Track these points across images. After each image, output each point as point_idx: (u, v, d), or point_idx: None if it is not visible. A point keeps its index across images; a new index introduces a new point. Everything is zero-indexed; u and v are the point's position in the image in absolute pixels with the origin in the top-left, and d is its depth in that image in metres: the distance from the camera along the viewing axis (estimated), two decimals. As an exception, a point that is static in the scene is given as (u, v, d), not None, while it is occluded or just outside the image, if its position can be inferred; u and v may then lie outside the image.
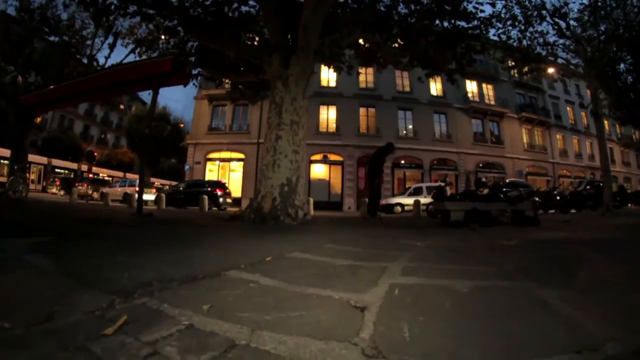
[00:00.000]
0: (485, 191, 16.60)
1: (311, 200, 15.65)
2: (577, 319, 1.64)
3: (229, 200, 21.05)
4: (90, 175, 26.82)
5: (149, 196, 21.45)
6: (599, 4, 15.00)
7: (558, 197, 19.72)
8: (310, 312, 1.63)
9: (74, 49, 16.54)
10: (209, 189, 20.64)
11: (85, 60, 16.84)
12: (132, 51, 14.09)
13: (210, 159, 31.11)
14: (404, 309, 1.70)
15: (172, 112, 39.26)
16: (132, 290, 1.79)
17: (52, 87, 12.25)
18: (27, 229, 4.56)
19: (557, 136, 38.20)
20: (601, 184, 22.64)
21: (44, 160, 37.66)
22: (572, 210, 18.82)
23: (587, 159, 39.71)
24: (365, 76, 29.56)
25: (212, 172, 30.97)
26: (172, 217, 9.58)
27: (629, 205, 22.95)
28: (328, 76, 29.46)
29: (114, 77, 10.26)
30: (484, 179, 20.29)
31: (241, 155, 30.23)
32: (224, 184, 23.13)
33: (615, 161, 41.38)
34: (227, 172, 30.99)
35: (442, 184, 17.64)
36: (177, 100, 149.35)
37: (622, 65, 20.47)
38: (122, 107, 41.46)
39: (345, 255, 3.20)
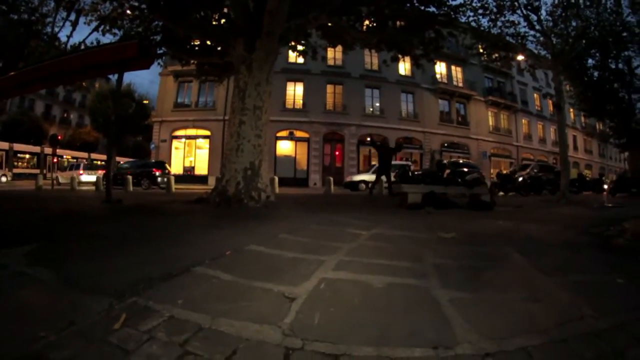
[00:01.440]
0: (447, 172, 17.38)
1: (276, 178, 16.19)
2: (454, 320, 2.03)
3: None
4: (55, 160, 26.50)
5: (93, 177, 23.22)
6: (572, 1, 15.31)
7: (519, 180, 20.68)
8: (254, 302, 2.24)
9: (35, 27, 15.54)
10: (148, 169, 21.86)
11: (46, 38, 15.99)
12: (96, 29, 13.61)
13: (176, 137, 31.13)
14: (323, 301, 2.29)
15: (137, 89, 38.44)
16: (124, 292, 2.31)
17: (12, 73, 11.82)
18: (12, 233, 4.64)
19: (523, 121, 40.13)
20: (553, 167, 23.71)
21: (5, 145, 36.18)
22: (532, 193, 19.70)
23: (550, 145, 41.82)
24: (334, 53, 29.55)
25: (178, 150, 31.02)
26: (141, 203, 9.94)
27: (588, 192, 23.78)
28: (296, 52, 29.35)
29: (77, 62, 10.06)
30: (444, 161, 21.08)
31: (207, 132, 30.35)
32: (164, 163, 23.86)
33: (578, 148, 44.53)
34: (194, 149, 31.24)
35: (408, 163, 18.06)
36: (143, 76, 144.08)
37: (589, 61, 21.13)
38: (84, 84, 40.08)
39: (295, 247, 3.79)
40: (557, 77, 15.84)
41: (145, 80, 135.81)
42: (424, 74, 28.13)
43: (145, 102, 39.99)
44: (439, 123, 33.75)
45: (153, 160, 25.33)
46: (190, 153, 31.29)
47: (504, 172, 23.28)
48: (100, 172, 23.20)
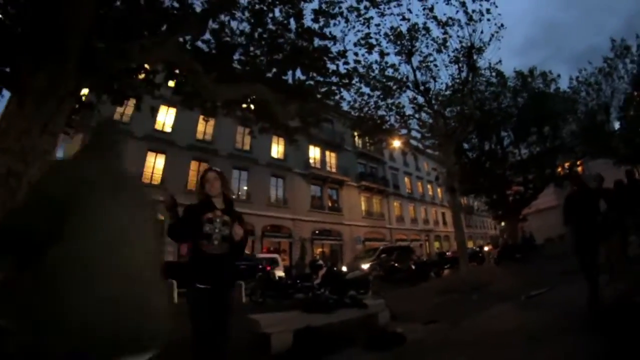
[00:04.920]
0: (322, 273, 14.41)
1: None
2: None
3: None
4: None
5: None
6: (466, 87, 15.06)
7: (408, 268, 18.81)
8: None
9: None
10: None
11: None
12: None
13: None
14: None
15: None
16: None
17: None
18: None
19: (395, 203, 41.77)
20: (406, 248, 24.18)
21: None
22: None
23: (422, 223, 45.27)
24: (205, 127, 26.91)
25: None
26: None
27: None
28: (165, 119, 26.28)
29: None
30: (320, 262, 18.53)
31: None
32: None
33: (447, 223, 48.03)
34: None
35: (275, 256, 14.61)
36: None
37: (466, 144, 22.57)
38: None
39: None
40: (449, 159, 14.75)
41: None
42: (299, 155, 26.92)
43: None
44: (310, 209, 31.99)
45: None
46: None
47: (390, 263, 20.59)
48: None
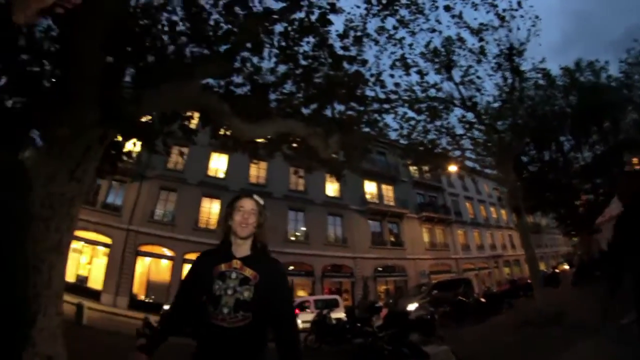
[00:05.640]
0: (383, 314, 13.30)
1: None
2: None
3: None
4: None
5: None
6: (514, 95, 14.20)
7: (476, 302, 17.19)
8: None
9: None
10: None
11: None
12: None
13: (75, 237, 24.35)
14: None
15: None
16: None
17: None
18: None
19: (459, 232, 39.15)
20: (459, 281, 21.77)
21: None
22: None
23: (489, 249, 41.71)
24: (258, 170, 27.38)
25: (74, 252, 24.40)
26: None
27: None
28: (217, 165, 27.12)
29: None
30: (379, 303, 17.40)
31: (108, 241, 23.63)
32: None
33: (515, 247, 44.32)
34: (90, 256, 24.05)
35: (324, 312, 13.80)
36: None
37: (525, 157, 22.45)
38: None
39: None
40: (509, 176, 13.69)
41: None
42: (354, 192, 26.15)
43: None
44: (371, 246, 30.85)
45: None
46: (87, 259, 24.49)
47: (456, 299, 18.68)
48: None
